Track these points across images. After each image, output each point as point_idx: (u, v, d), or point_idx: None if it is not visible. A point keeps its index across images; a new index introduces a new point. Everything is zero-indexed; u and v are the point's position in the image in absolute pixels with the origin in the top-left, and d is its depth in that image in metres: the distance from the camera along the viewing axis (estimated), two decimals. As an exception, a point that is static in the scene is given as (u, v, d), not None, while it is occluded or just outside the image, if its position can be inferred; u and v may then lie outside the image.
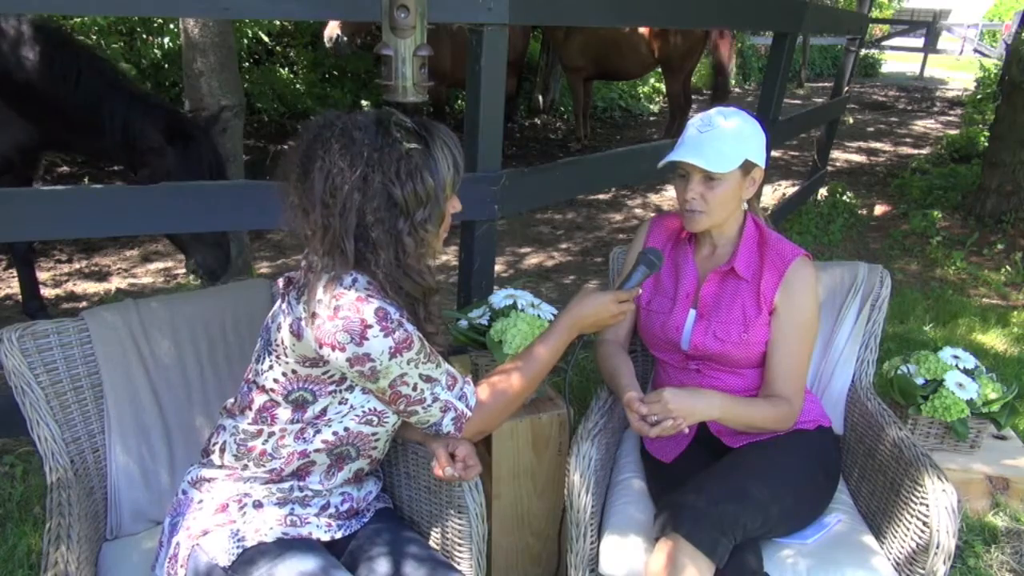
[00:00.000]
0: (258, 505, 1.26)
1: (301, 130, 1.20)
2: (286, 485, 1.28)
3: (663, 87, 8.56)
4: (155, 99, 2.64)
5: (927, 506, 1.36)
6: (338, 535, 1.31)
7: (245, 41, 6.15)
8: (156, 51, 5.33)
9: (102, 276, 3.87)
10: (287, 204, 1.20)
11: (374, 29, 5.30)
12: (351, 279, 1.16)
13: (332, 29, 5.00)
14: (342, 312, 1.13)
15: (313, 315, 1.14)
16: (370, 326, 1.13)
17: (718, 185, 1.49)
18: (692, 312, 1.60)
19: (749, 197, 1.57)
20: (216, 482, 1.28)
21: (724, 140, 1.47)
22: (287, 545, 1.22)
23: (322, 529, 1.29)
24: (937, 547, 1.33)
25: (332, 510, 1.32)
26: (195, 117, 2.62)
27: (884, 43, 17.42)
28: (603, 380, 1.73)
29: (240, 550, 1.20)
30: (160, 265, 4.05)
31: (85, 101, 2.40)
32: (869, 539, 1.50)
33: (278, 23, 6.45)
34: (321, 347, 1.15)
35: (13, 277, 3.75)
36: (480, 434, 1.34)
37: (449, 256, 3.74)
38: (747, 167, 1.50)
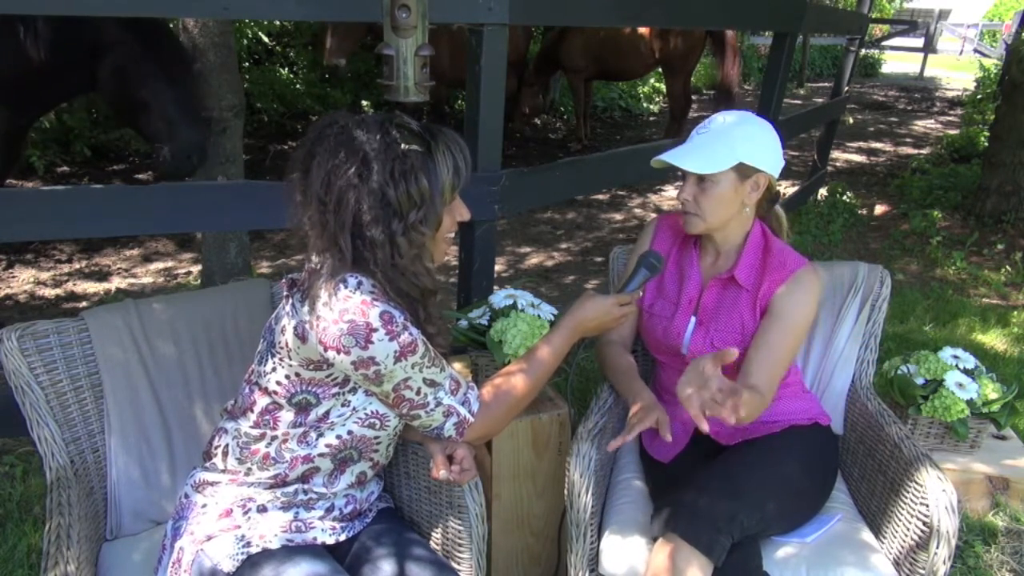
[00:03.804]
0: (262, 509, 1.26)
1: (308, 129, 1.21)
2: (290, 488, 1.28)
3: (663, 87, 8.56)
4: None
5: (927, 506, 1.36)
6: (342, 537, 1.31)
7: (245, 41, 6.15)
8: (156, 51, 5.32)
9: (102, 276, 3.87)
10: (292, 201, 1.21)
11: (369, 39, 5.38)
12: (356, 281, 1.16)
13: (330, 57, 5.14)
14: (347, 315, 1.12)
15: (318, 318, 1.14)
16: (375, 330, 1.13)
17: (711, 187, 1.48)
18: (693, 319, 1.59)
19: (753, 203, 1.54)
20: (220, 486, 1.28)
21: (715, 141, 1.47)
22: (292, 551, 1.22)
23: (326, 533, 1.29)
24: (937, 547, 1.33)
25: (336, 512, 1.32)
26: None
27: (884, 43, 17.41)
28: (606, 380, 1.74)
29: (245, 556, 1.20)
30: (160, 265, 4.05)
31: (44, 40, 2.34)
32: (869, 538, 1.50)
33: (278, 23, 6.45)
34: (326, 350, 1.15)
35: (13, 277, 3.75)
36: (482, 438, 1.34)
37: (449, 256, 3.74)
38: (743, 171, 1.48)
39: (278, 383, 1.22)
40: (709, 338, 1.55)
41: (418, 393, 1.21)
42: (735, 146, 1.46)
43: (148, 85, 2.41)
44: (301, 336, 1.17)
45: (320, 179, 1.14)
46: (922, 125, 9.93)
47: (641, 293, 1.48)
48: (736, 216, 1.54)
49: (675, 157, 1.48)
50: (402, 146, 1.16)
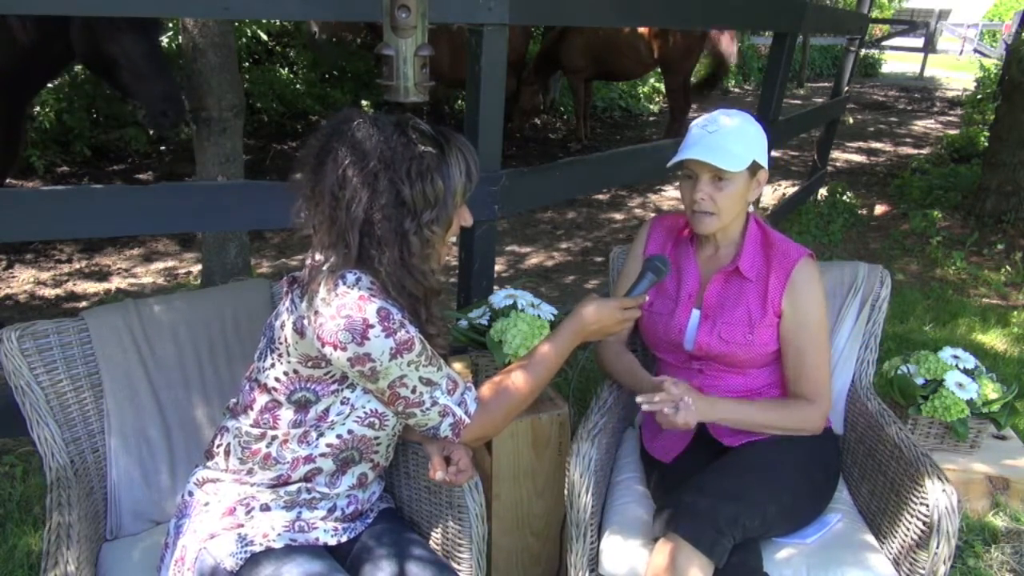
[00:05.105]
0: (265, 508, 1.26)
1: (322, 124, 1.22)
2: (293, 487, 1.28)
3: (663, 87, 8.56)
4: None
5: (927, 506, 1.36)
6: (344, 538, 1.31)
7: (245, 41, 6.15)
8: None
9: (102, 276, 3.87)
10: (300, 195, 1.21)
11: (363, 33, 5.33)
12: (355, 277, 1.16)
13: (312, 25, 5.05)
14: (344, 311, 1.13)
15: (316, 313, 1.14)
16: (372, 326, 1.13)
17: (727, 185, 1.49)
18: (696, 313, 1.60)
19: (754, 199, 1.57)
20: (222, 484, 1.28)
21: (733, 139, 1.48)
22: (292, 550, 1.22)
23: (328, 533, 1.29)
24: (937, 547, 1.33)
25: (338, 513, 1.32)
26: None
27: (884, 43, 17.42)
28: (606, 380, 1.74)
29: (247, 554, 1.20)
30: (160, 265, 4.05)
31: (29, 18, 2.34)
32: (869, 539, 1.50)
33: (278, 23, 6.45)
34: (323, 346, 1.15)
35: (13, 277, 3.75)
36: (480, 440, 1.34)
37: (449, 256, 3.74)
38: (754, 168, 1.51)
39: (277, 380, 1.23)
40: (716, 331, 1.56)
41: (413, 391, 1.21)
42: (749, 144, 1.49)
43: (114, 38, 2.40)
44: (299, 331, 1.17)
45: (336, 174, 1.15)
46: (922, 125, 9.93)
47: (647, 297, 1.48)
48: (742, 212, 1.57)
49: (703, 155, 1.46)
50: (419, 147, 1.17)
